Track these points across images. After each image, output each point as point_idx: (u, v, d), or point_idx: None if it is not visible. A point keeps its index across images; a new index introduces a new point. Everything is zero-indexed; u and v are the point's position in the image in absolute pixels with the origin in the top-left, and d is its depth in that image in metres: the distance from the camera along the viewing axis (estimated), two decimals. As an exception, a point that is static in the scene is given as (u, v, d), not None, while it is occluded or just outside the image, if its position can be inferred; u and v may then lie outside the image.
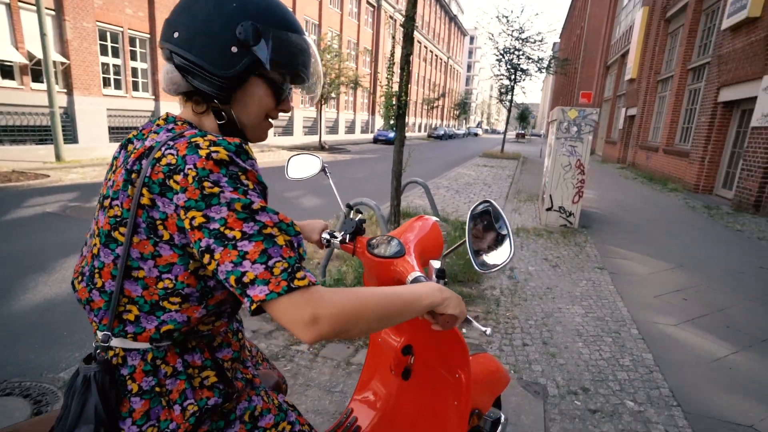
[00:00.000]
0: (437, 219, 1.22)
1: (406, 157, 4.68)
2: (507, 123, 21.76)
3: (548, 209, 6.08)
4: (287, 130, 25.86)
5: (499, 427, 1.49)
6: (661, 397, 2.31)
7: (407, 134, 36.56)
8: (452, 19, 63.11)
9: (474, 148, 27.77)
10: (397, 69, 3.96)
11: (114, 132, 14.67)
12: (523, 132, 52.24)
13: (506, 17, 18.19)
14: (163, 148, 0.68)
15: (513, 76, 19.35)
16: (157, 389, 0.73)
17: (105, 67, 14.49)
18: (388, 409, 1.24)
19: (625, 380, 2.46)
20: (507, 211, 7.21)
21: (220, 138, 0.69)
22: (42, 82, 12.06)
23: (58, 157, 9.84)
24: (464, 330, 2.93)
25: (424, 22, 48.86)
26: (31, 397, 1.92)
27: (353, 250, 1.16)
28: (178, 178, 0.65)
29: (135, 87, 15.56)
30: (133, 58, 15.32)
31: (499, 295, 3.57)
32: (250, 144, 0.92)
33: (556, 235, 5.71)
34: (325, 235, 1.20)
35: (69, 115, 13.42)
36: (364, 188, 9.17)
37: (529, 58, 18.74)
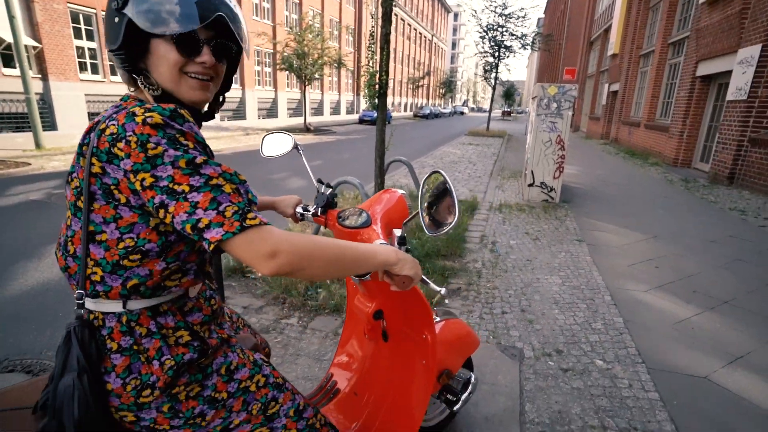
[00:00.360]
0: (403, 192, 1.32)
1: (389, 136, 4.74)
2: (492, 101, 21.80)
3: (530, 185, 6.23)
4: (272, 113, 25.51)
5: (470, 387, 1.62)
6: (628, 356, 2.49)
7: (393, 114, 36.30)
8: (436, -5, 61.99)
9: (460, 127, 27.77)
10: (377, 48, 3.99)
11: (94, 118, 14.33)
12: (509, 110, 52.18)
13: (489, -8, 18.01)
14: (107, 121, 0.76)
15: (497, 53, 19.27)
16: (135, 347, 0.81)
17: (80, 51, 14.06)
18: (364, 370, 1.36)
19: (596, 342, 2.63)
20: (491, 188, 7.36)
21: (155, 105, 0.75)
22: (14, 67, 11.68)
23: (37, 145, 9.64)
24: (446, 301, 3.08)
25: (408, -1, 47.94)
26: (33, 373, 2.01)
27: (325, 222, 1.25)
28: (121, 145, 0.71)
29: (113, 71, 15.15)
30: (109, 40, 14.85)
31: (481, 268, 3.72)
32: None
33: (538, 210, 5.87)
34: (299, 209, 1.29)
35: (46, 102, 13.08)
36: (351, 168, 9.21)
37: (512, 35, 18.66)
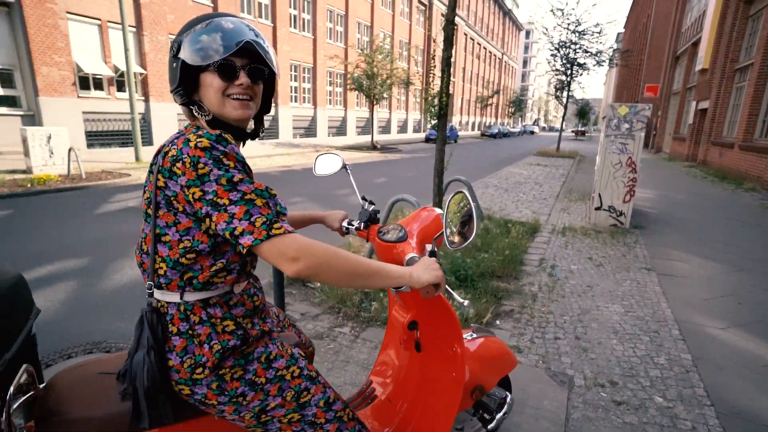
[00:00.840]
0: (440, 211, 1.39)
1: (449, 155, 4.82)
2: (563, 120, 20.96)
3: (597, 208, 5.93)
4: (341, 131, 26.60)
5: (505, 407, 1.63)
6: (694, 396, 2.30)
7: (459, 133, 36.15)
8: (506, 14, 61.37)
9: (529, 147, 26.96)
10: (438, 71, 4.13)
11: (184, 135, 16.02)
12: (583, 129, 49.55)
13: (561, 10, 17.51)
14: (169, 145, 0.95)
15: (569, 71, 18.59)
16: (190, 332, 0.98)
17: (177, 75, 15.81)
18: (399, 379, 1.44)
19: (657, 377, 2.47)
20: (555, 210, 7.10)
21: (206, 131, 0.93)
22: (125, 91, 13.46)
23: (137, 158, 10.97)
24: (497, 322, 3.05)
25: (477, 18, 47.96)
26: (122, 356, 2.34)
27: (367, 236, 1.37)
28: (179, 165, 0.89)
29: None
30: (201, 66, 16.58)
31: (537, 291, 3.63)
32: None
33: (605, 234, 5.57)
34: (345, 224, 1.43)
35: (146, 120, 14.84)
36: (413, 186, 9.35)
37: (586, 52, 17.91)
